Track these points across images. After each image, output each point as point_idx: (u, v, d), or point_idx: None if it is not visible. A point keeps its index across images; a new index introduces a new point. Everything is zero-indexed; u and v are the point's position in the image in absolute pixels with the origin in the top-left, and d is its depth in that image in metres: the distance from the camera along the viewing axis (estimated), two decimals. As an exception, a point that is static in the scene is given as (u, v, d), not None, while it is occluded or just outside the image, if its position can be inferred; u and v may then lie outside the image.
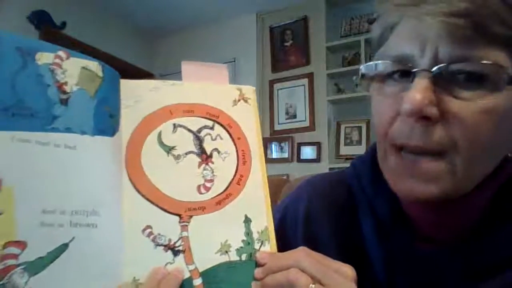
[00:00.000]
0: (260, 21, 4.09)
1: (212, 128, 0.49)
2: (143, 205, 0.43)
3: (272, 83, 3.96)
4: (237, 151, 0.49)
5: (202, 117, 0.49)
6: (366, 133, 3.43)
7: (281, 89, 3.90)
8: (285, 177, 3.52)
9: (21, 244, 0.36)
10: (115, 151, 0.44)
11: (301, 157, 3.68)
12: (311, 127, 3.70)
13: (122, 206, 0.42)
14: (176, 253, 0.43)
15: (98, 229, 0.40)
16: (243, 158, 0.49)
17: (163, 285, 0.41)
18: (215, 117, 0.50)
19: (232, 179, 0.48)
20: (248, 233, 0.46)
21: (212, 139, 0.49)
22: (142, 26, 4.33)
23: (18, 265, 0.36)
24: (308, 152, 3.67)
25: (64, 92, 0.41)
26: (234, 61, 4.06)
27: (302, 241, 0.59)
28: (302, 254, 0.43)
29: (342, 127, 3.56)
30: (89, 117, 0.42)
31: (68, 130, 0.41)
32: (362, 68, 0.53)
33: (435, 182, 0.45)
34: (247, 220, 0.47)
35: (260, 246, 0.47)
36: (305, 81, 3.78)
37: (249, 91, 0.53)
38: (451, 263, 0.50)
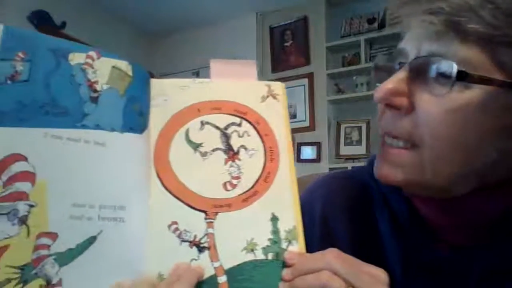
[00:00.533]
0: (260, 21, 4.09)
1: (239, 125, 0.49)
2: (170, 201, 0.44)
3: (272, 83, 3.95)
4: (264, 148, 0.49)
5: (230, 114, 0.49)
6: (366, 133, 3.43)
7: (281, 89, 3.90)
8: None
9: (53, 235, 0.38)
10: (144, 148, 0.45)
11: (301, 157, 3.68)
12: (311, 127, 3.70)
13: (149, 202, 0.43)
14: (201, 249, 0.43)
15: (125, 223, 0.41)
16: (270, 155, 0.49)
17: (183, 279, 0.40)
18: (243, 113, 0.50)
19: (259, 176, 0.47)
20: (275, 231, 0.45)
21: (239, 136, 0.48)
22: (142, 26, 4.33)
23: (50, 255, 0.37)
24: (308, 152, 3.68)
25: (95, 91, 0.43)
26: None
27: (319, 241, 0.59)
28: (333, 256, 0.42)
29: (342, 127, 3.57)
30: (119, 115, 0.44)
31: (97, 127, 0.42)
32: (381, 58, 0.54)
33: (400, 168, 0.47)
34: (274, 219, 0.46)
35: (288, 246, 0.45)
36: (305, 81, 3.78)
37: (278, 87, 0.52)
38: (468, 266, 0.50)
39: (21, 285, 0.36)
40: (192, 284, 0.40)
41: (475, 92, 0.41)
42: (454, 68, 0.41)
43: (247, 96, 0.51)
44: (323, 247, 0.44)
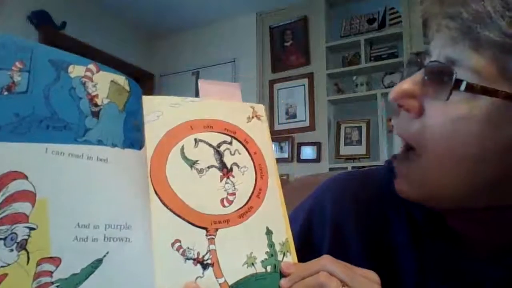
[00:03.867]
0: (260, 21, 4.09)
1: (230, 143, 0.51)
2: (171, 218, 0.43)
3: (272, 83, 3.96)
4: (254, 165, 0.51)
5: (221, 133, 0.51)
6: (366, 133, 3.43)
7: (281, 89, 3.91)
8: (285, 177, 3.53)
9: (56, 261, 0.35)
10: (143, 165, 0.44)
11: (301, 157, 3.68)
12: (311, 127, 3.70)
13: (151, 220, 0.42)
14: (205, 266, 0.43)
15: (131, 243, 0.39)
16: (260, 172, 0.51)
17: None
18: (232, 132, 0.52)
19: (252, 192, 0.49)
20: (271, 245, 0.47)
21: (231, 154, 0.50)
22: (142, 26, 4.32)
23: (53, 283, 0.34)
24: (308, 152, 3.67)
25: (96, 105, 0.41)
26: (234, 61, 4.07)
27: (330, 245, 0.58)
28: (327, 260, 0.44)
29: (342, 127, 3.57)
30: (119, 130, 0.42)
31: (99, 142, 0.40)
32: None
33: (405, 181, 0.48)
34: (269, 232, 0.48)
35: (283, 258, 0.47)
36: (305, 81, 3.78)
37: (260, 109, 0.56)
38: (491, 274, 0.49)
39: None
40: None
41: (481, 103, 0.40)
42: (464, 77, 0.40)
43: (235, 116, 0.53)
44: (335, 254, 0.45)
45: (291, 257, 0.48)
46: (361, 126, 3.48)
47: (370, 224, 0.57)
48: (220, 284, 0.43)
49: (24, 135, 0.36)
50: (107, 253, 0.37)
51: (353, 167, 3.23)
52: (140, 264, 0.39)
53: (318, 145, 3.63)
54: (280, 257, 0.47)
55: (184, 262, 0.42)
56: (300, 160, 3.68)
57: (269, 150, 0.53)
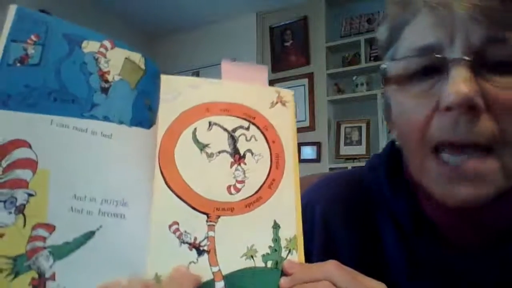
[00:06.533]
0: (260, 21, 4.10)
1: (247, 128, 0.48)
2: (172, 200, 0.43)
3: (272, 83, 3.94)
4: (271, 154, 0.48)
5: (238, 117, 0.48)
6: (366, 133, 3.44)
7: (281, 89, 3.90)
8: (284, 177, 3.53)
9: (50, 227, 0.36)
10: (150, 144, 0.44)
11: (301, 157, 3.68)
12: (311, 127, 3.71)
13: (152, 200, 0.42)
14: (200, 252, 0.42)
15: (126, 220, 0.40)
16: (276, 162, 0.48)
17: (180, 286, 0.39)
18: (251, 118, 0.49)
19: (264, 182, 0.47)
20: (276, 239, 0.45)
21: (247, 140, 0.48)
22: (142, 26, 4.33)
23: (45, 248, 0.36)
24: (308, 152, 3.68)
25: (106, 81, 0.41)
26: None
27: (320, 247, 0.58)
28: (333, 268, 0.40)
29: (342, 127, 3.58)
30: (128, 108, 0.42)
31: (106, 118, 0.41)
32: (387, 67, 0.49)
33: (486, 183, 0.42)
34: (276, 226, 0.45)
35: (288, 255, 0.44)
36: (305, 81, 3.79)
37: (288, 94, 0.51)
38: (477, 268, 0.49)
39: (12, 276, 0.35)
40: None
41: None
42: None
43: (256, 100, 0.50)
44: (324, 254, 0.43)
45: (298, 256, 0.45)
46: (361, 126, 3.49)
47: (359, 224, 0.57)
48: (213, 272, 0.42)
49: (32, 106, 0.37)
50: (100, 226, 0.38)
51: (353, 167, 3.23)
52: (133, 242, 0.40)
53: (318, 145, 3.64)
54: (284, 254, 0.44)
55: (179, 246, 0.42)
56: (300, 160, 3.62)
57: (290, 140, 0.49)
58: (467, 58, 0.40)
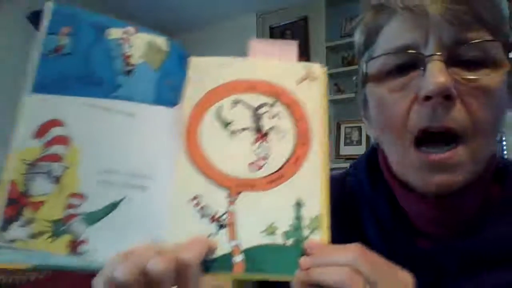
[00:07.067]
0: (260, 21, 4.08)
1: (272, 105, 0.48)
2: (195, 175, 0.44)
3: (271, 83, 3.96)
4: (296, 131, 0.47)
5: (264, 94, 0.48)
6: (366, 133, 3.43)
7: (281, 89, 3.90)
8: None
9: (82, 197, 0.41)
10: (174, 122, 0.46)
11: (302, 157, 3.68)
12: (312, 127, 3.69)
13: (174, 174, 0.44)
14: (220, 226, 0.43)
15: (148, 192, 0.43)
16: (302, 140, 0.47)
17: (192, 247, 0.39)
18: (277, 94, 0.48)
19: (287, 160, 0.46)
20: (298, 217, 0.44)
21: (271, 117, 0.47)
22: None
23: (78, 215, 0.41)
24: (308, 152, 3.67)
25: (129, 64, 0.45)
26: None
27: None
28: (358, 253, 0.39)
29: (342, 127, 3.55)
30: (150, 88, 0.46)
31: (129, 98, 0.45)
32: (365, 67, 0.54)
33: (458, 170, 0.47)
34: (299, 204, 0.44)
35: (310, 234, 0.43)
36: (305, 81, 3.78)
37: (318, 69, 0.50)
38: (449, 258, 0.51)
39: (53, 238, 0.40)
40: (201, 254, 0.39)
41: (500, 74, 0.47)
42: (486, 50, 0.47)
43: (283, 77, 0.49)
44: None
45: (321, 235, 0.43)
46: (361, 126, 3.47)
47: (345, 222, 0.57)
48: (231, 246, 0.42)
49: (65, 89, 0.43)
50: (125, 197, 0.42)
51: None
52: (154, 213, 0.43)
53: (318, 145, 3.63)
54: (306, 233, 0.43)
55: (199, 218, 0.43)
56: (300, 160, 3.67)
57: (319, 116, 0.48)
58: (441, 54, 0.46)
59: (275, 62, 0.50)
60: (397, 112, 0.49)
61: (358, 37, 0.58)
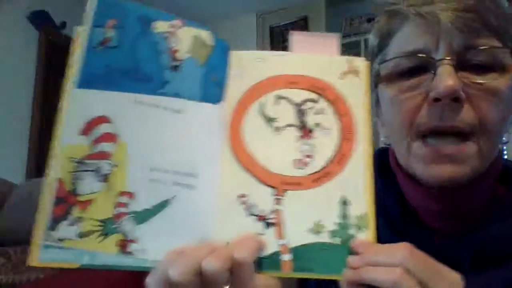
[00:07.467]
0: (260, 21, 4.07)
1: (316, 101, 0.47)
2: (241, 173, 0.44)
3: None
4: (340, 128, 0.46)
5: (307, 90, 0.47)
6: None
7: (281, 89, 3.90)
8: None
9: (131, 195, 0.41)
10: (218, 119, 0.45)
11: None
12: (312, 127, 3.70)
13: (220, 172, 0.44)
14: (267, 225, 0.42)
15: (196, 190, 0.42)
16: (346, 136, 0.46)
17: (245, 245, 0.39)
18: (321, 90, 0.47)
19: (332, 157, 0.45)
20: (345, 216, 0.43)
21: (315, 113, 0.46)
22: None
23: (128, 213, 0.40)
24: (309, 151, 3.67)
25: (176, 59, 0.44)
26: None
27: None
28: (408, 253, 0.39)
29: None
30: (197, 84, 0.45)
31: (176, 95, 0.43)
32: (378, 68, 0.56)
33: (464, 163, 0.49)
34: (345, 203, 0.43)
35: (357, 232, 0.43)
36: (305, 81, 3.78)
37: (361, 63, 0.48)
38: (461, 252, 0.51)
39: (102, 237, 0.39)
40: (253, 252, 0.39)
41: (508, 78, 0.50)
42: (494, 56, 0.49)
43: (326, 71, 0.48)
44: None
45: (368, 234, 0.43)
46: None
47: None
48: (280, 245, 0.42)
49: (112, 84, 0.42)
50: (174, 196, 0.41)
51: None
52: (202, 211, 0.42)
53: (319, 144, 3.63)
54: (353, 232, 0.42)
55: (246, 217, 0.42)
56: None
57: (362, 112, 0.47)
58: (451, 59, 0.48)
59: (316, 56, 0.49)
60: (406, 110, 0.51)
61: (372, 40, 0.60)
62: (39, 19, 3.34)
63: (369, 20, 3.56)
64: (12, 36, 3.19)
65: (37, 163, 3.26)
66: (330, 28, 3.68)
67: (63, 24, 3.52)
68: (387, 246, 0.40)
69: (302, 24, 3.86)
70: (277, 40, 3.99)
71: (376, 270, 0.38)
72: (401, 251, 0.39)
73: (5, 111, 3.10)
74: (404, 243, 0.40)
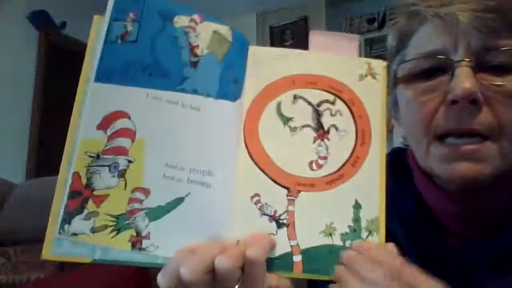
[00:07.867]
0: (260, 21, 4.07)
1: (333, 103, 0.46)
2: (255, 172, 0.44)
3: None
4: (356, 130, 0.46)
5: (324, 90, 0.46)
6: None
7: (281, 89, 3.90)
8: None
9: (146, 191, 0.40)
10: (235, 117, 0.45)
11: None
12: (312, 127, 3.70)
13: (235, 171, 0.43)
14: (280, 225, 0.42)
15: (211, 189, 0.42)
16: (362, 139, 0.46)
17: (258, 244, 0.39)
18: (338, 91, 0.47)
19: (347, 159, 0.45)
20: (357, 219, 0.43)
21: (332, 115, 0.46)
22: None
23: (142, 209, 0.40)
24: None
25: (195, 55, 0.43)
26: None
27: None
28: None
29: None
30: (215, 81, 0.44)
31: (194, 91, 0.43)
32: (397, 68, 0.56)
33: (484, 161, 0.48)
34: (357, 206, 0.44)
35: (368, 236, 0.43)
36: (305, 81, 3.78)
37: (379, 66, 0.48)
38: (480, 256, 0.51)
39: (115, 232, 0.39)
40: (266, 251, 0.39)
41: None
42: None
43: (344, 73, 0.47)
44: None
45: (378, 238, 0.43)
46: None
47: None
48: (291, 246, 0.42)
49: (130, 79, 0.41)
50: (189, 193, 0.41)
51: None
52: (216, 210, 0.42)
53: (319, 144, 3.63)
54: (364, 235, 0.43)
55: (259, 216, 0.42)
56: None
57: (379, 115, 0.47)
58: (469, 60, 0.47)
59: (336, 57, 0.48)
60: (424, 111, 0.51)
61: (390, 41, 0.60)
62: (39, 19, 3.33)
63: (369, 20, 3.56)
64: (12, 36, 3.19)
65: (37, 163, 3.26)
66: (330, 28, 3.68)
67: (63, 24, 3.52)
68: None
69: (302, 24, 3.85)
70: (277, 40, 3.98)
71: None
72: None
73: (5, 111, 3.10)
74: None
